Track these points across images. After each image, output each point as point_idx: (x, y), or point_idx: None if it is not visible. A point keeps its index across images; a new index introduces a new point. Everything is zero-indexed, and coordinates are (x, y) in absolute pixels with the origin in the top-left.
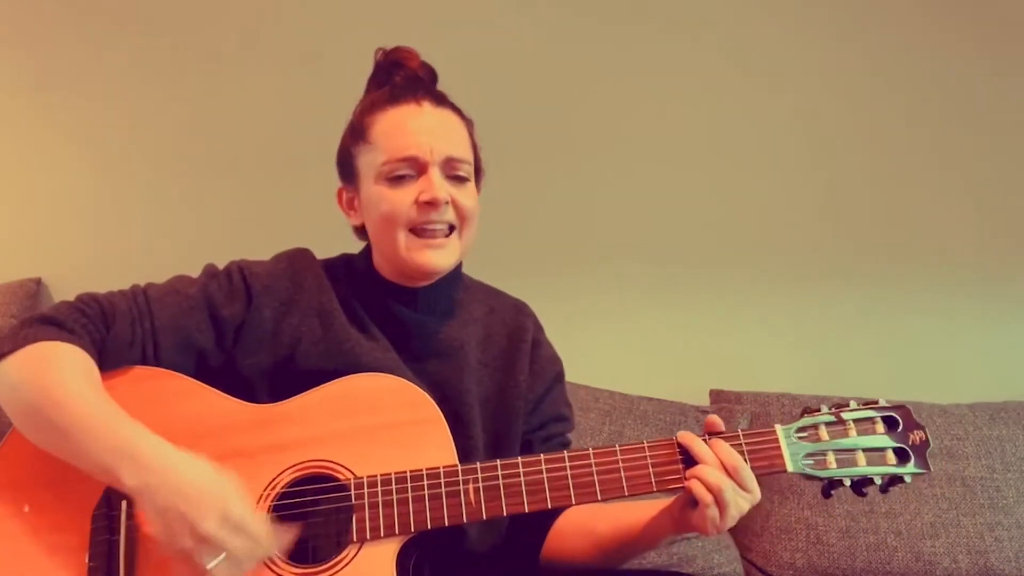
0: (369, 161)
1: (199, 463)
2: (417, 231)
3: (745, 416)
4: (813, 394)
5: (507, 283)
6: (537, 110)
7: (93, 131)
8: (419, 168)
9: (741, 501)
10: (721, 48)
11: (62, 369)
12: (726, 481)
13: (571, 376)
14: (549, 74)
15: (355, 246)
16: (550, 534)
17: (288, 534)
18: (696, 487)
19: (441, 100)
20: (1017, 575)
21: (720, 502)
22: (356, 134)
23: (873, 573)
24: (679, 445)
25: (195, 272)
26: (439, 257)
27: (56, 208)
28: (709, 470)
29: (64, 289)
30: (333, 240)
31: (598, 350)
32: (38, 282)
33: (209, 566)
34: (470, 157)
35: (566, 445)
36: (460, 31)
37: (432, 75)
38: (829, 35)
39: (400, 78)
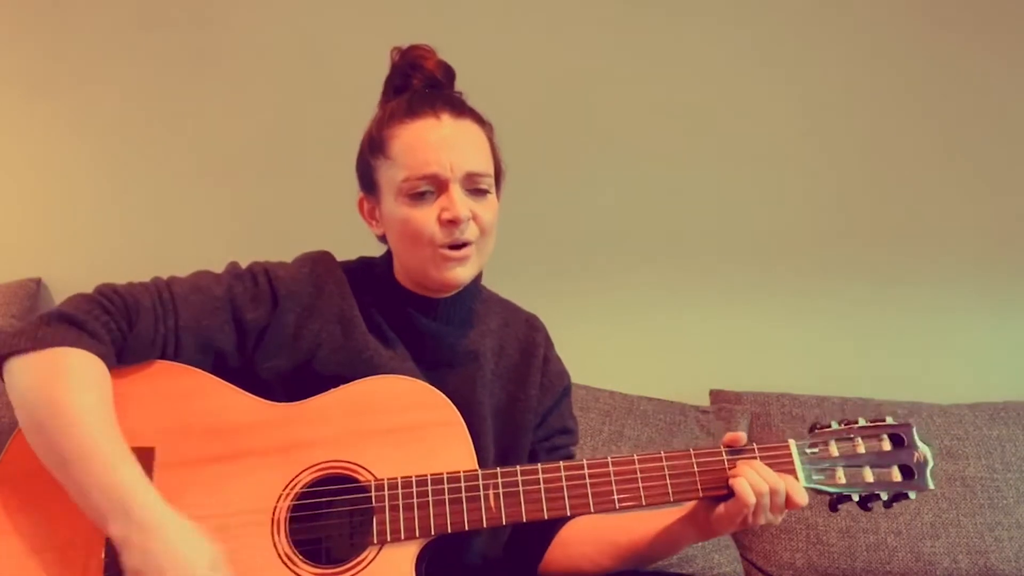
0: (389, 177)
1: (187, 530)
2: (442, 248)
3: (745, 415)
4: (813, 394)
5: (507, 284)
6: (535, 110)
7: (93, 131)
8: (439, 185)
9: (770, 515)
10: (722, 48)
11: (73, 387)
12: (766, 487)
13: (572, 376)
14: (550, 74)
15: (352, 248)
16: (554, 544)
17: None
18: (742, 486)
19: (460, 109)
20: (1017, 575)
21: (759, 505)
22: (375, 147)
23: (873, 573)
24: (695, 455)
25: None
26: (463, 271)
27: (56, 208)
28: (755, 476)
29: (64, 289)
30: (336, 240)
31: (598, 350)
32: (38, 282)
33: None
34: (490, 169)
35: (570, 457)
36: (465, 30)
37: (450, 75)
38: (832, 35)
39: (418, 80)
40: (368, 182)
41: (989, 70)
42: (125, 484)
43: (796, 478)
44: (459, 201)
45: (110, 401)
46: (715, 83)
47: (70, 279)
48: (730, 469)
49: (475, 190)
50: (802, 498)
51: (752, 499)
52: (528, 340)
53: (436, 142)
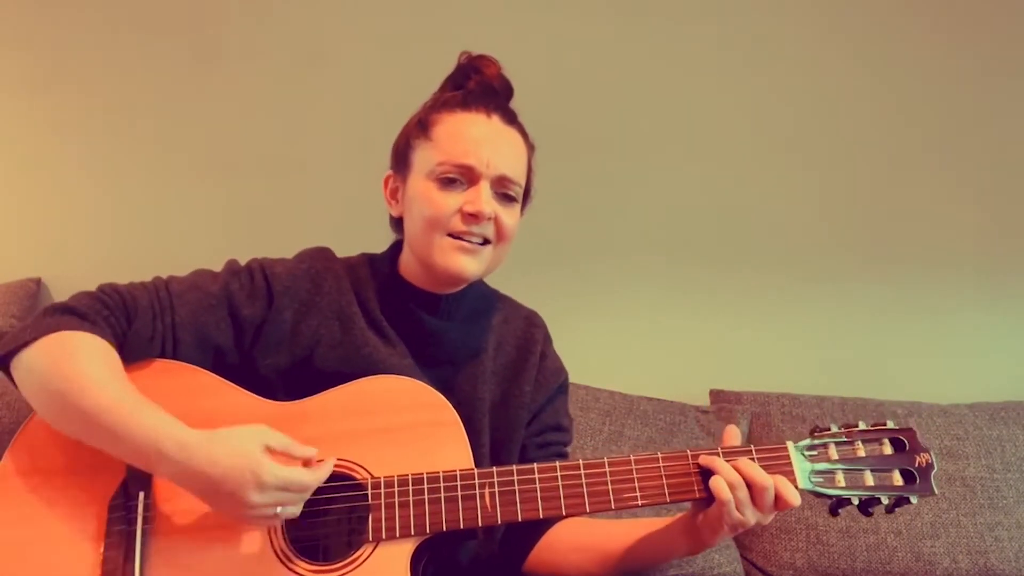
0: (425, 157)
1: (222, 438)
2: (453, 235)
3: (745, 415)
4: (813, 394)
5: (508, 283)
6: (536, 111)
7: (93, 131)
8: (471, 177)
9: (758, 513)
10: (722, 48)
11: (84, 357)
12: (740, 480)
13: (571, 376)
14: (551, 71)
15: (352, 246)
16: (540, 545)
17: (328, 466)
18: (716, 483)
19: (511, 119)
20: (1017, 575)
21: (739, 502)
22: (420, 127)
23: (873, 573)
24: (691, 456)
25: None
26: (470, 263)
27: (56, 208)
28: (730, 472)
29: (64, 289)
30: (334, 239)
31: (598, 350)
32: (38, 282)
33: (278, 512)
34: (523, 180)
35: (561, 456)
36: (465, 32)
37: (506, 88)
38: (825, 38)
39: (474, 83)
40: (401, 160)
41: (987, 70)
42: (152, 427)
43: (792, 479)
44: (485, 198)
45: (121, 370)
46: (718, 85)
47: (70, 279)
48: None
49: (503, 195)
50: (793, 497)
51: (727, 495)
52: (526, 336)
53: (479, 137)
